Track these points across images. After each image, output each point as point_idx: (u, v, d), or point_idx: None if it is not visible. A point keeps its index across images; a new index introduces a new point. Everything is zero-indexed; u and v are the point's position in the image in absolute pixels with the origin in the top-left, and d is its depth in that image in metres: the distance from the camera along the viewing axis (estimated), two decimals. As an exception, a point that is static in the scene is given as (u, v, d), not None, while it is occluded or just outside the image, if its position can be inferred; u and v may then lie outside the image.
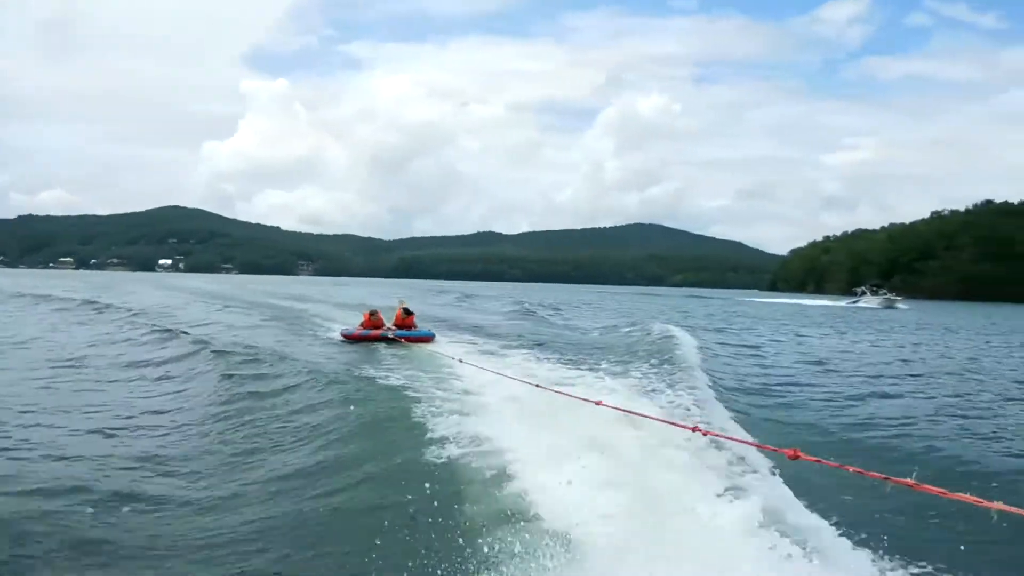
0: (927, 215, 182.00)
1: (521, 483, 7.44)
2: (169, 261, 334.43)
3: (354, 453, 9.40)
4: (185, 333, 22.87)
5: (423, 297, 62.67)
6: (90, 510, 7.24)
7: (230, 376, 15.20)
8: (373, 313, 22.09)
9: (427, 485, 7.46)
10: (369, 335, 21.21)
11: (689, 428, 7.27)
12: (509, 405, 10.88)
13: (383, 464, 8.70)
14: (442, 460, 8.51)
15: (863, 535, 6.45)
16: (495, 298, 68.33)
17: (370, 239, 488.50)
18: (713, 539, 6.06)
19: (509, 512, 6.82)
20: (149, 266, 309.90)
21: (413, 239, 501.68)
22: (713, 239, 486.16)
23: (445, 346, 20.30)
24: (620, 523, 6.28)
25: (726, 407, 12.69)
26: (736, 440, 8.33)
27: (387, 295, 62.01)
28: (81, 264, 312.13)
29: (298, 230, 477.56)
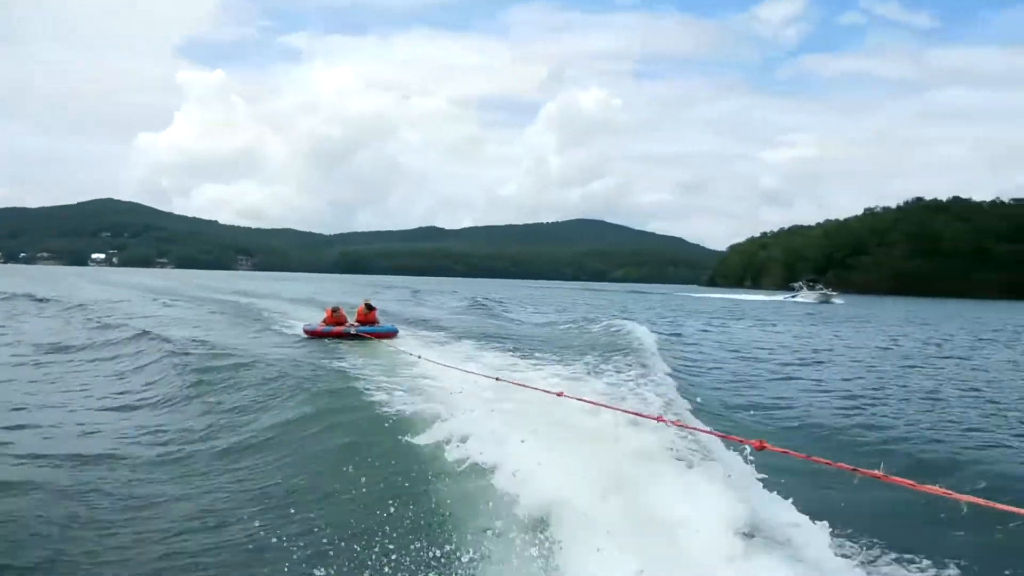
0: (861, 211, 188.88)
1: (486, 475, 7.31)
2: (103, 255, 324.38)
3: (318, 449, 9.39)
4: (149, 333, 22.65)
5: (368, 294, 62.07)
6: (41, 512, 7.13)
7: (184, 368, 15.33)
8: (335, 310, 22.29)
9: (398, 478, 7.56)
10: (332, 331, 21.41)
11: (653, 418, 7.34)
12: (471, 399, 10.85)
13: (351, 459, 8.41)
14: (411, 453, 8.50)
15: (831, 526, 6.35)
16: (444, 292, 68.47)
17: (310, 233, 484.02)
18: (680, 530, 5.98)
19: (477, 503, 6.82)
20: (82, 260, 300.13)
21: (355, 233, 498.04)
22: (654, 234, 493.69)
23: (408, 341, 20.63)
24: (588, 512, 6.17)
25: (687, 399, 12.86)
26: (701, 431, 8.41)
27: (334, 292, 61.45)
28: (10, 258, 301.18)
29: (237, 224, 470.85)
